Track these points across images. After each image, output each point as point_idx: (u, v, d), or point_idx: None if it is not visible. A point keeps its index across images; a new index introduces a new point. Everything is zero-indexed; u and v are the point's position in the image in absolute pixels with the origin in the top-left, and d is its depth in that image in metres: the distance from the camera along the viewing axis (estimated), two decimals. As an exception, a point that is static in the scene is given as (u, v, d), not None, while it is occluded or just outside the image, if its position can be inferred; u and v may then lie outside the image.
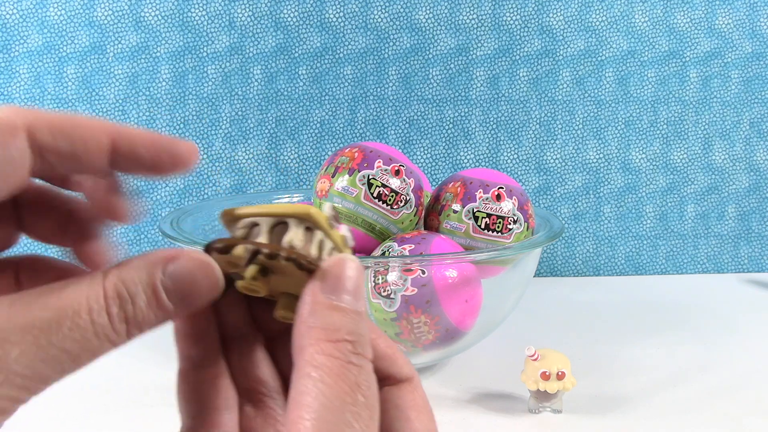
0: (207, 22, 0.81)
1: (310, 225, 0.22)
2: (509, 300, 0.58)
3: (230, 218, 0.23)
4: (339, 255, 0.22)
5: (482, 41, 0.84)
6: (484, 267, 0.55)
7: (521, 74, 0.85)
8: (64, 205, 0.23)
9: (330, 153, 0.84)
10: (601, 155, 0.87)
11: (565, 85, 0.85)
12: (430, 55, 0.84)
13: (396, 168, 0.56)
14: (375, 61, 0.83)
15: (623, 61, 0.86)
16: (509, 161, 0.86)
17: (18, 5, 0.78)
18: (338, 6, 0.82)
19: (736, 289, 0.84)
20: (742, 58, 0.87)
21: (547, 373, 0.48)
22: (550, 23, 0.84)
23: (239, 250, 0.21)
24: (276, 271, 0.22)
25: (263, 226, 0.22)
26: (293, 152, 0.84)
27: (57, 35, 0.79)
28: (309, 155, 0.84)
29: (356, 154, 0.56)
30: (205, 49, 0.81)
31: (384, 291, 0.51)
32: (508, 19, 0.84)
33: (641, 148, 0.88)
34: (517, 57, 0.84)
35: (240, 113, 0.83)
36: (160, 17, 0.80)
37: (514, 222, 0.55)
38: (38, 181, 0.22)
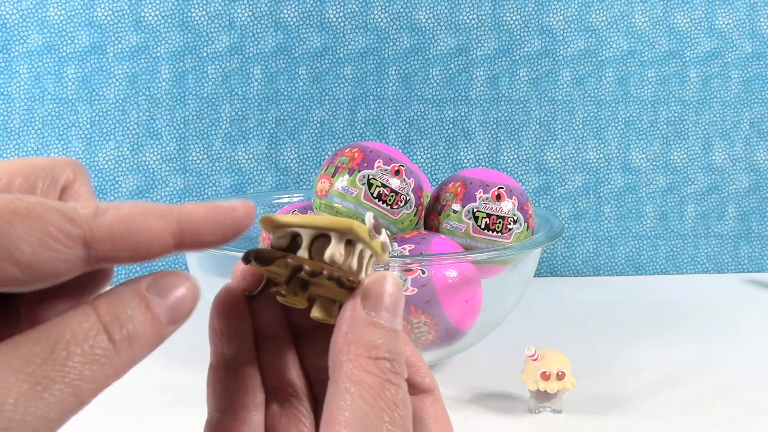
0: (207, 22, 0.81)
1: (352, 238, 0.22)
2: (509, 300, 0.58)
3: (271, 225, 0.23)
4: (380, 272, 0.22)
5: (482, 41, 0.84)
6: (484, 267, 0.55)
7: (521, 74, 0.85)
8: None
9: (330, 153, 0.84)
10: (601, 155, 0.87)
11: (565, 85, 0.85)
12: (430, 55, 0.84)
13: (396, 168, 0.56)
14: (375, 61, 0.83)
15: (623, 61, 0.86)
16: (509, 161, 0.86)
17: (18, 5, 0.78)
18: (338, 6, 0.82)
19: (736, 289, 0.84)
20: (742, 58, 0.87)
21: (547, 373, 0.48)
22: (550, 23, 0.84)
23: (279, 264, 0.21)
24: (316, 285, 0.22)
25: (304, 238, 0.22)
26: (293, 152, 0.84)
27: (57, 35, 0.79)
28: (309, 155, 0.84)
29: (356, 154, 0.56)
30: (205, 49, 0.81)
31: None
32: (508, 19, 0.84)
33: (641, 148, 0.88)
34: (517, 57, 0.84)
35: (240, 113, 0.83)
36: (160, 17, 0.80)
37: (514, 222, 0.55)
38: None
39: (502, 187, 0.56)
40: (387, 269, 0.52)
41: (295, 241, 0.23)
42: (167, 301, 0.19)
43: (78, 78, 0.80)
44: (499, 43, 0.84)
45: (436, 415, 0.23)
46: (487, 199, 0.55)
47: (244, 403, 0.24)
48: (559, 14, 0.84)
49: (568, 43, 0.85)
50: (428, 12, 0.83)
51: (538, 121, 0.86)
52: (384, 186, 0.55)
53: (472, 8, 0.83)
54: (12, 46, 0.78)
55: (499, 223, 0.55)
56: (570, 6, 0.84)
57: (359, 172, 0.55)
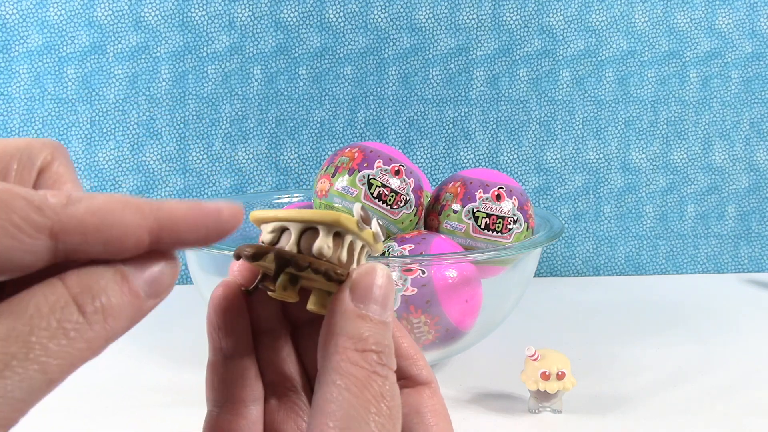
0: (207, 22, 0.81)
1: (340, 230, 0.22)
2: (509, 300, 0.58)
3: (259, 220, 0.23)
4: (369, 264, 0.22)
5: (482, 41, 0.84)
6: (484, 267, 0.55)
7: (521, 74, 0.85)
8: None
9: (330, 153, 0.84)
10: (601, 155, 0.87)
11: (565, 85, 0.85)
12: (430, 55, 0.84)
13: (396, 168, 0.56)
14: (375, 61, 0.83)
15: (623, 61, 0.86)
16: (509, 161, 0.86)
17: (18, 5, 0.78)
18: (338, 6, 0.82)
19: (736, 289, 0.84)
20: (742, 58, 0.87)
21: (547, 373, 0.48)
22: (550, 23, 0.84)
23: (269, 259, 0.22)
24: (306, 278, 0.22)
25: (292, 232, 0.22)
26: (293, 152, 0.84)
27: (57, 35, 0.79)
28: (309, 155, 0.84)
29: (356, 154, 0.56)
30: (205, 49, 0.81)
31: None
32: (508, 19, 0.84)
33: (641, 148, 0.88)
34: (517, 57, 0.84)
35: (240, 113, 0.83)
36: (160, 17, 0.80)
37: (514, 222, 0.55)
38: None
39: (502, 187, 0.56)
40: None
41: (283, 236, 0.23)
42: (145, 274, 0.18)
43: (78, 78, 0.80)
44: (499, 43, 0.84)
45: (434, 408, 0.23)
46: (487, 199, 0.55)
47: (242, 397, 0.24)
48: (559, 14, 0.84)
49: (568, 43, 0.85)
50: (428, 12, 0.83)
51: (538, 121, 0.86)
52: (384, 186, 0.55)
53: (472, 8, 0.83)
54: (12, 46, 0.78)
55: (499, 223, 0.55)
56: (570, 6, 0.84)
57: (359, 172, 0.55)
